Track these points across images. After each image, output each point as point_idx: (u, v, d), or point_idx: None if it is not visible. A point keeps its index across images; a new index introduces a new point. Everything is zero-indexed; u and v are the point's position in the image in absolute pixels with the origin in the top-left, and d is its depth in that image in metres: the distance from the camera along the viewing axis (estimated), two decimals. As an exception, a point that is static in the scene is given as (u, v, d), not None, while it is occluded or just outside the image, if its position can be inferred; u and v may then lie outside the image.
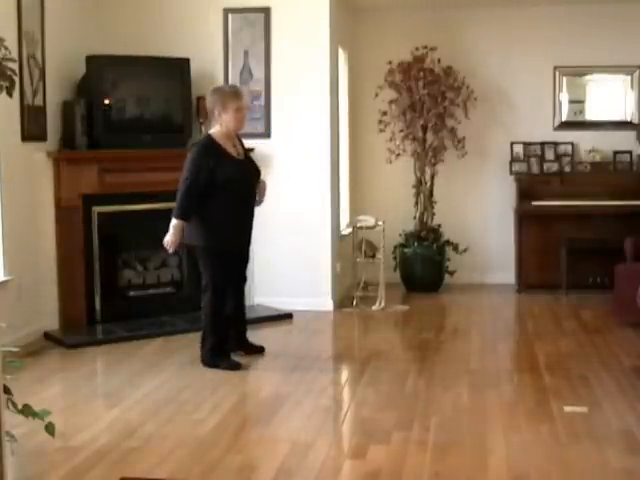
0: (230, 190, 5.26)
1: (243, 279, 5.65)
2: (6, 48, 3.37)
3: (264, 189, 5.50)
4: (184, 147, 6.95)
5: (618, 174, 8.11)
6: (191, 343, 5.83)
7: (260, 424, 4.40)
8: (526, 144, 8.28)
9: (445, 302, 7.69)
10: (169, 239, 5.27)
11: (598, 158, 8.14)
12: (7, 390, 3.22)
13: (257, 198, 5.47)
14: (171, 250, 5.35)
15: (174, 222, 5.26)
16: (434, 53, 7.95)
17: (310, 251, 7.15)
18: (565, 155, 8.25)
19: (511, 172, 8.25)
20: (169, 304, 6.90)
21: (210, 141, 5.34)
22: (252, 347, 5.69)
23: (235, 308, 5.57)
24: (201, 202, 5.24)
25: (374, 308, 7.27)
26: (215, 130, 5.38)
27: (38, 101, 6.09)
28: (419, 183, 8.16)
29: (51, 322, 6.29)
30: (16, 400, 3.38)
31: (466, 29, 8.31)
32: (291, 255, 7.14)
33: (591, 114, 8.37)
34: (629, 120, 8.27)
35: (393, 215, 7.98)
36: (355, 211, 8.17)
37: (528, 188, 7.96)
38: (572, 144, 8.25)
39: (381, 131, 8.02)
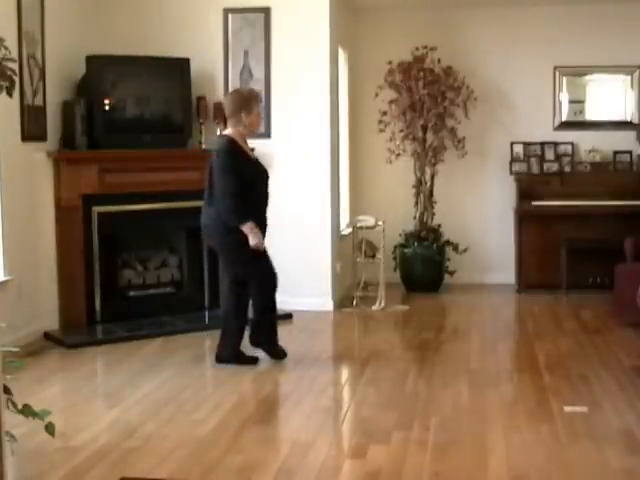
0: (254, 189, 5.33)
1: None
2: (6, 48, 3.37)
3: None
4: (184, 147, 6.96)
5: (618, 174, 8.11)
6: (191, 343, 5.84)
7: (260, 424, 4.40)
8: (526, 144, 8.28)
9: (445, 302, 7.69)
10: (256, 242, 5.26)
11: (598, 158, 8.14)
12: (7, 390, 3.22)
13: None
14: (262, 248, 5.37)
15: (245, 226, 5.24)
16: (434, 53, 7.95)
17: (310, 251, 7.15)
18: (565, 155, 8.25)
19: (511, 172, 8.25)
20: (169, 304, 6.90)
21: (232, 143, 5.36)
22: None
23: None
24: None
25: (374, 308, 7.27)
26: (231, 131, 5.41)
27: (38, 101, 6.09)
28: (419, 183, 8.16)
29: (51, 322, 6.29)
30: (16, 400, 3.38)
31: (466, 29, 8.31)
32: (291, 255, 7.13)
33: (591, 114, 8.37)
34: (629, 120, 8.27)
35: (393, 215, 7.98)
36: (355, 211, 8.17)
37: (528, 188, 7.96)
38: (572, 144, 8.26)
39: (381, 131, 8.03)
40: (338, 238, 7.54)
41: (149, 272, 7.00)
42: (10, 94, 3.39)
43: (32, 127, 6.01)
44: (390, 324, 6.88)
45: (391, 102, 8.02)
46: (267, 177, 5.51)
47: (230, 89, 7.08)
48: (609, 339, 6.09)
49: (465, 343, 6.13)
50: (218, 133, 7.02)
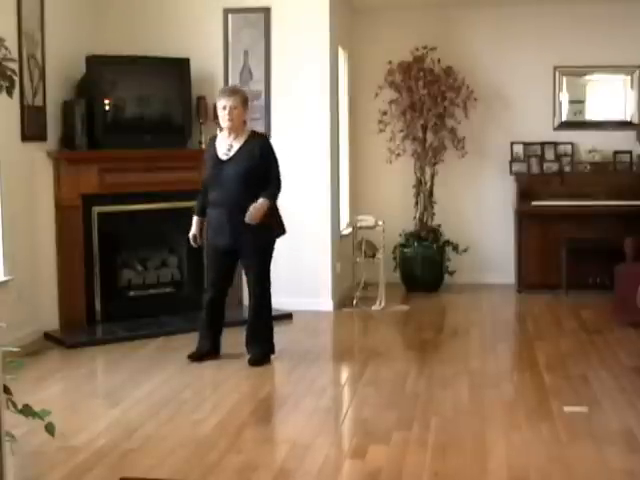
0: (209, 190, 5.50)
1: None
2: (6, 48, 3.36)
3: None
4: (184, 147, 6.96)
5: (618, 174, 8.10)
6: (191, 343, 5.82)
7: (260, 424, 4.40)
8: (526, 144, 8.28)
9: (445, 302, 7.69)
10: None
11: (598, 158, 8.13)
12: (7, 390, 3.22)
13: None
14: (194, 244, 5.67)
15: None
16: (434, 53, 7.96)
17: (310, 251, 7.15)
18: (565, 155, 8.25)
19: (511, 172, 8.25)
20: (169, 304, 6.90)
21: (211, 139, 5.64)
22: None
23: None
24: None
25: (374, 308, 7.27)
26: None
27: (38, 101, 6.09)
28: (419, 183, 8.17)
29: (51, 322, 6.29)
30: (16, 400, 3.37)
31: (466, 29, 8.31)
32: (291, 255, 7.13)
33: (591, 114, 8.37)
34: (629, 120, 8.27)
35: (393, 215, 7.98)
36: (355, 211, 8.17)
37: (528, 188, 7.96)
38: (572, 144, 8.26)
39: (381, 131, 8.03)
40: (338, 238, 7.54)
41: (149, 272, 6.99)
42: (10, 94, 3.38)
43: (32, 127, 6.01)
44: (390, 324, 6.88)
45: (391, 102, 8.02)
46: (240, 176, 5.39)
47: (230, 89, 7.09)
48: (609, 339, 6.09)
49: (465, 343, 6.13)
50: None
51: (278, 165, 5.56)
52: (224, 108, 5.39)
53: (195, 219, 5.65)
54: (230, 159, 5.43)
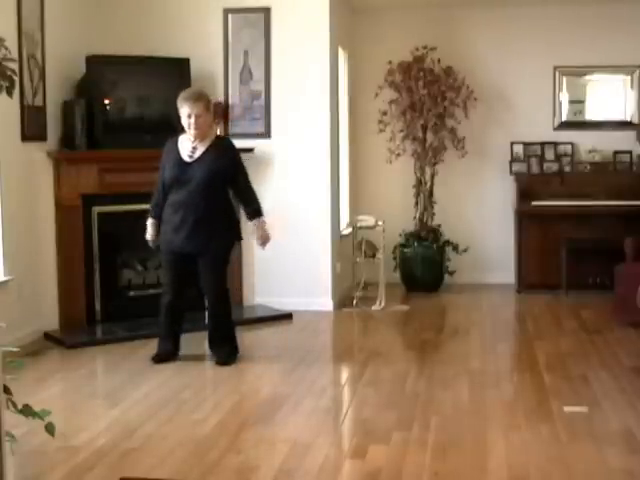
0: (171, 191, 5.39)
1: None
2: (6, 48, 3.36)
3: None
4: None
5: (618, 174, 8.11)
6: (191, 343, 5.83)
7: (260, 424, 4.40)
8: (526, 144, 8.28)
9: (445, 302, 7.69)
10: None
11: (598, 158, 8.13)
12: (7, 390, 3.21)
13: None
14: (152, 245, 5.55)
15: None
16: (434, 53, 7.96)
17: (310, 251, 7.15)
18: (565, 155, 8.25)
19: (511, 172, 8.25)
20: (169, 304, 6.89)
21: (171, 141, 5.54)
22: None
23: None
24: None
25: (374, 308, 7.27)
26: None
27: (38, 101, 6.09)
28: (419, 183, 8.16)
29: (51, 322, 6.29)
30: (16, 400, 3.37)
31: (466, 29, 8.31)
32: (291, 255, 7.13)
33: (591, 114, 8.37)
34: (629, 120, 8.27)
35: (393, 215, 7.98)
36: (355, 211, 8.17)
37: (528, 188, 7.96)
38: (572, 144, 8.26)
39: (381, 131, 8.03)
40: (338, 238, 7.54)
41: (149, 272, 6.99)
42: (10, 94, 3.38)
43: (32, 127, 6.00)
44: (390, 324, 6.88)
45: (391, 102, 8.02)
46: (195, 181, 5.31)
47: (230, 89, 7.10)
48: (609, 339, 6.09)
49: (465, 343, 6.13)
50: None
51: (247, 172, 5.52)
52: (189, 117, 5.30)
53: (151, 222, 5.50)
54: (195, 161, 5.35)
